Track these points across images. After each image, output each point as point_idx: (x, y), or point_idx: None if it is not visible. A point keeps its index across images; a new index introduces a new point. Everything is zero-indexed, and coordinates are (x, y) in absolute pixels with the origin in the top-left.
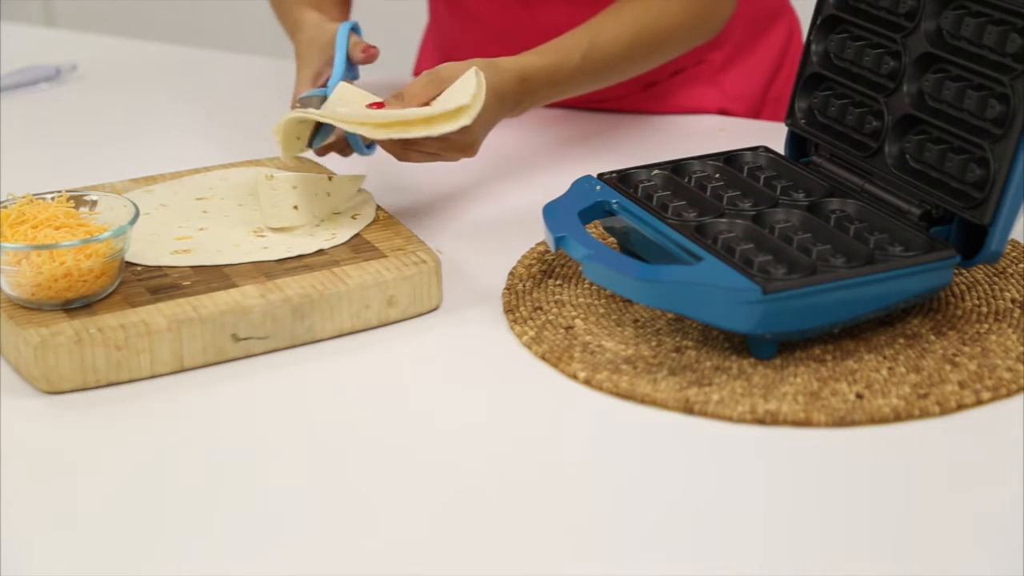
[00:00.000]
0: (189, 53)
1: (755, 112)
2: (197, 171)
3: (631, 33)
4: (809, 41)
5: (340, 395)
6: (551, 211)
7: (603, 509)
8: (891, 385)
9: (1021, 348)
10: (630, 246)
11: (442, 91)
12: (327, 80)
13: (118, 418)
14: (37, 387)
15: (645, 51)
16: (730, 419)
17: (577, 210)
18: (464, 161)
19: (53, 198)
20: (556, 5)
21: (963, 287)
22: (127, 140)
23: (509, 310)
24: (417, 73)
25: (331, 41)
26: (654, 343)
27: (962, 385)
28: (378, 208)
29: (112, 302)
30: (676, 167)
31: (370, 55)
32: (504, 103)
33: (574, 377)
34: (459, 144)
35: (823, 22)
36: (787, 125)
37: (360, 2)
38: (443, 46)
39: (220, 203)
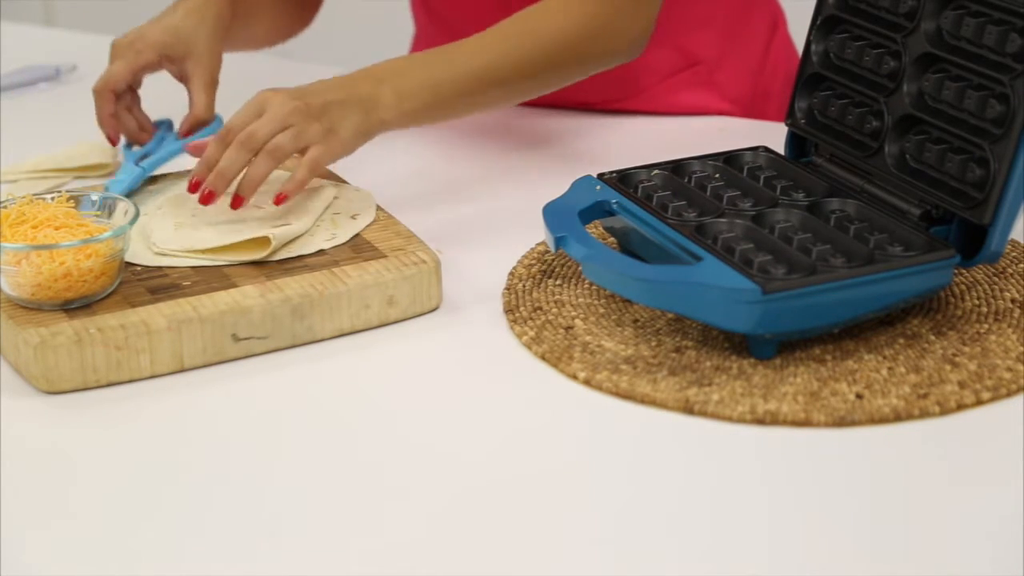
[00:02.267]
0: None
1: (749, 109)
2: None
3: (505, 40)
4: (809, 41)
5: (340, 395)
6: (551, 211)
7: (603, 509)
8: (891, 385)
9: (1021, 348)
10: (630, 246)
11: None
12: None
13: (118, 418)
14: (37, 387)
15: (527, 64)
16: (730, 419)
17: (577, 210)
18: (464, 161)
19: (53, 198)
20: None
21: (963, 287)
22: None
23: (509, 310)
24: None
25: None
26: (654, 343)
27: (962, 385)
28: (378, 208)
29: (112, 302)
30: (676, 167)
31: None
32: (303, 96)
33: (574, 377)
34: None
35: (823, 22)
36: (787, 125)
37: (349, 9)
38: None
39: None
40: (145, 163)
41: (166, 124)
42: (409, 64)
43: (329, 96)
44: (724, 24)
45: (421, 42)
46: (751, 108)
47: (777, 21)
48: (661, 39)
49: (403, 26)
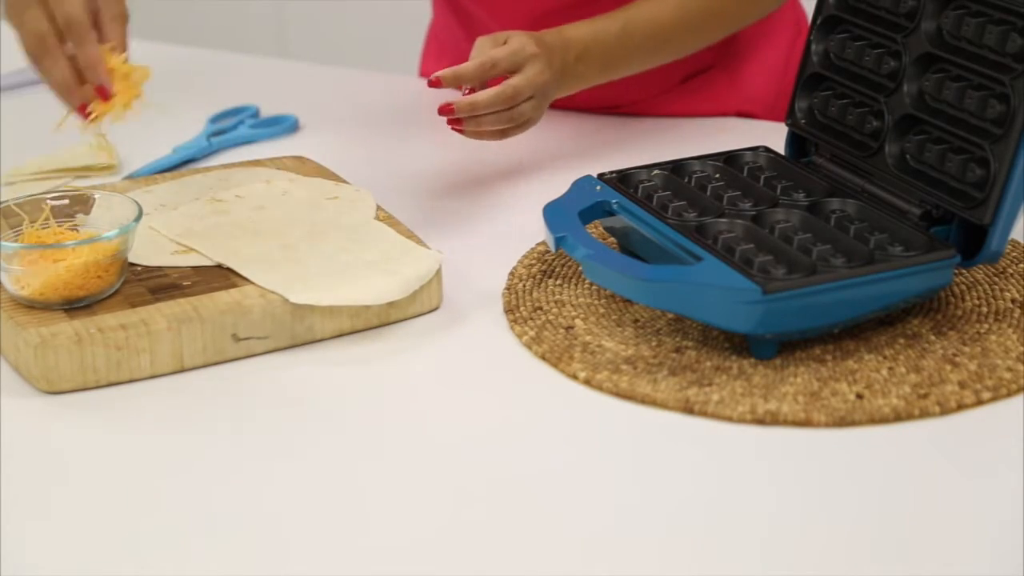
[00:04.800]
0: (189, 53)
1: (771, 110)
2: (197, 171)
3: (677, 2)
4: (809, 41)
5: (340, 395)
6: (551, 211)
7: (603, 510)
8: (891, 385)
9: (1021, 348)
10: (630, 246)
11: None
12: None
13: (118, 418)
14: (37, 387)
15: (697, 20)
16: (730, 419)
17: (577, 210)
18: (464, 161)
19: (54, 198)
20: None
21: (963, 287)
22: (126, 140)
23: (509, 310)
24: (423, 73)
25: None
26: (654, 343)
27: (962, 385)
28: (378, 208)
29: (112, 302)
30: (676, 167)
31: None
32: (551, 66)
33: (574, 377)
34: (522, 123)
35: (823, 22)
36: (787, 125)
37: (351, 7)
38: (446, 45)
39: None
40: (215, 140)
41: (250, 111)
42: (594, 31)
43: (552, 74)
44: (750, 31)
45: (438, 34)
46: (773, 109)
47: (800, 25)
48: None
49: (406, 24)
